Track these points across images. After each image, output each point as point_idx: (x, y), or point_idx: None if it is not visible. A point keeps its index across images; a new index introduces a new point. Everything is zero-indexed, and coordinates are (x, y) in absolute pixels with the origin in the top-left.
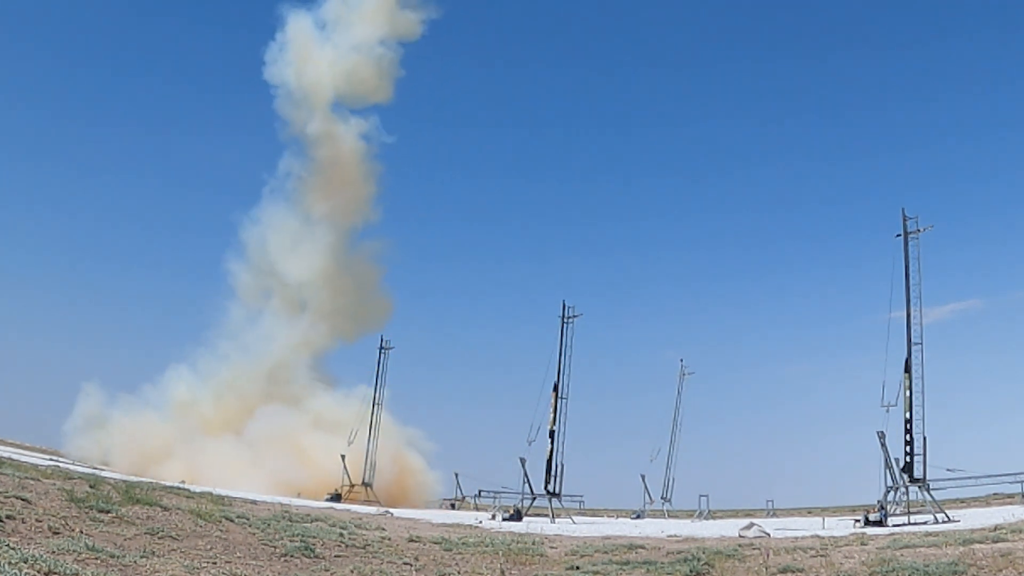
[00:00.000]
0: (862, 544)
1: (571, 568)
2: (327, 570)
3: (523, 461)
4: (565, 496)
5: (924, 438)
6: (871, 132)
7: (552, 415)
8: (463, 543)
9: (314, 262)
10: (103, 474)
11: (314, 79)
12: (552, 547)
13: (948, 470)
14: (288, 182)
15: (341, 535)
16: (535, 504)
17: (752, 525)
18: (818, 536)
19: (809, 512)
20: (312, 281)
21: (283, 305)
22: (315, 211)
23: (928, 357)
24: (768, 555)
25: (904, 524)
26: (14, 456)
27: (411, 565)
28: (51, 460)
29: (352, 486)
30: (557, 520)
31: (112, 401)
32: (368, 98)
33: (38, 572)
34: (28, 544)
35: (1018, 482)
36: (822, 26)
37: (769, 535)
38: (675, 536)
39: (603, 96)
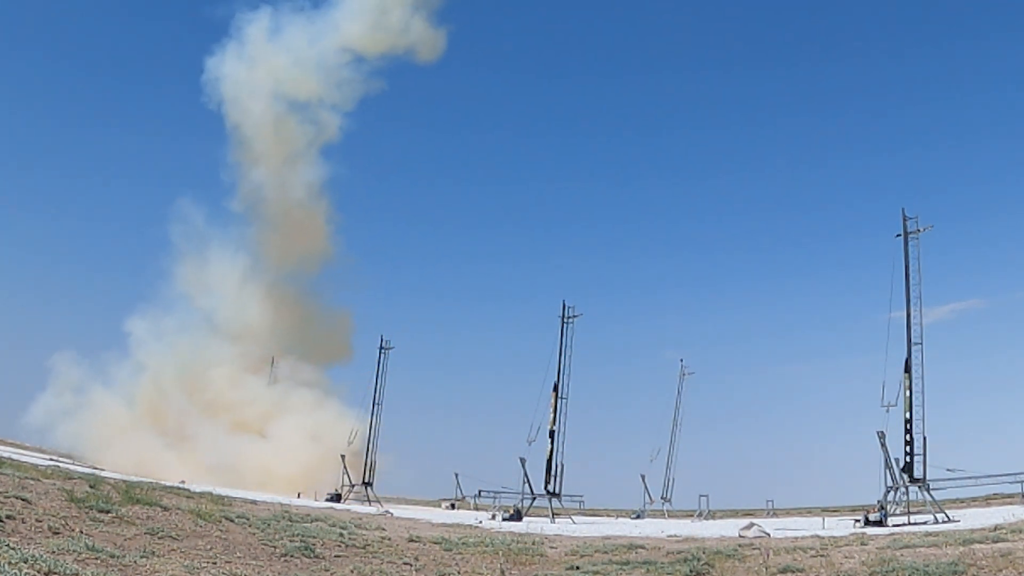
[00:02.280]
0: (862, 544)
1: (571, 568)
2: (327, 570)
3: (523, 461)
4: (565, 496)
5: (924, 438)
6: (871, 132)
7: (552, 415)
8: (463, 543)
9: (257, 301)
10: (96, 472)
11: (256, 132)
12: (552, 547)
13: (948, 470)
14: (234, 223)
15: (341, 535)
16: (535, 504)
17: (752, 525)
18: (818, 536)
19: (809, 512)
20: (257, 323)
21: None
22: (263, 253)
23: (928, 357)
24: (768, 555)
25: (904, 524)
26: (14, 456)
27: (411, 565)
28: (51, 460)
29: (352, 486)
30: (557, 520)
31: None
32: (315, 145)
33: (38, 572)
34: (28, 544)
35: (1018, 482)
36: (821, 27)
37: (769, 535)
38: (675, 536)
39: (602, 98)
